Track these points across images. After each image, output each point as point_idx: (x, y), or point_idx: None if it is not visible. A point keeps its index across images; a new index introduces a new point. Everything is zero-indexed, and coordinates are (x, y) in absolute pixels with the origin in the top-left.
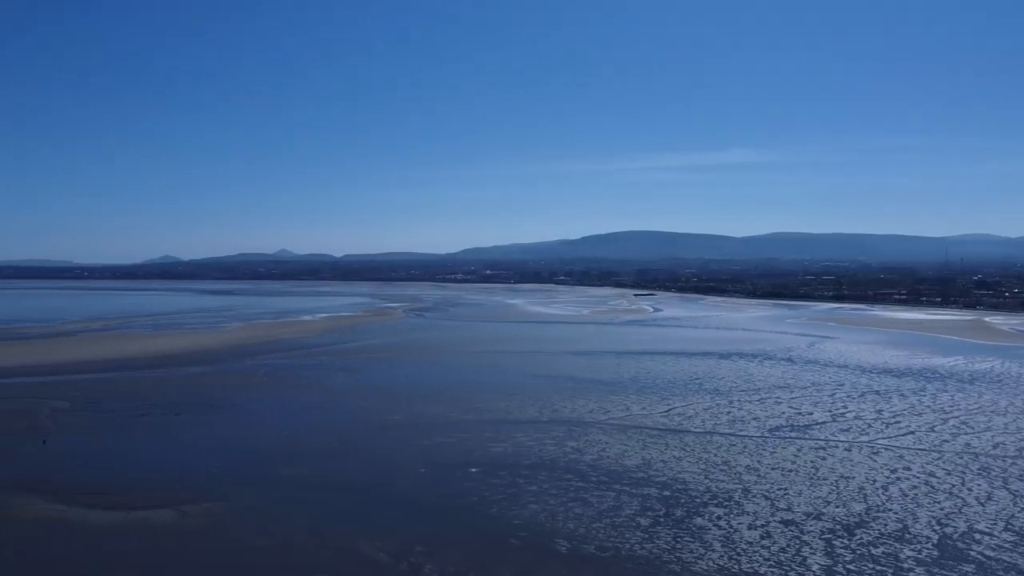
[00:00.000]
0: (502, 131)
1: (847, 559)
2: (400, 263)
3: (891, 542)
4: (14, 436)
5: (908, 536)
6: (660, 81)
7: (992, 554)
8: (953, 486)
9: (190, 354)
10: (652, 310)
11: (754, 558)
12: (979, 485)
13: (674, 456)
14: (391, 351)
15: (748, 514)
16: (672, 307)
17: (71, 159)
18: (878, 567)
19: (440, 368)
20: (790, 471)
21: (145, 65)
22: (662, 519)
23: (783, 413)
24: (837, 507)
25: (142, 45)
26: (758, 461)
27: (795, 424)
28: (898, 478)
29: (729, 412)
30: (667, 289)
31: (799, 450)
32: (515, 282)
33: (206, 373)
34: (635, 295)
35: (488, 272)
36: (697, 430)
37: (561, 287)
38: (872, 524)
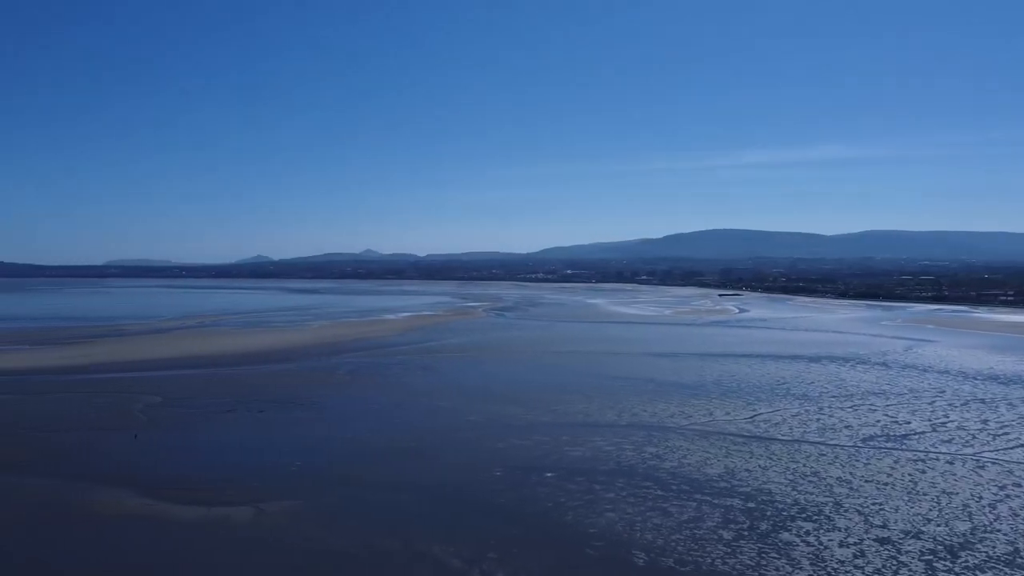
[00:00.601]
0: (584, 129)
1: None
2: (482, 263)
3: (1000, 567)
4: (109, 430)
5: (1020, 561)
6: (743, 74)
7: None
8: None
9: (276, 351)
10: (737, 311)
11: None
12: None
13: (759, 465)
14: (470, 350)
15: (839, 530)
16: (758, 308)
17: (174, 166)
18: None
19: (518, 368)
20: (886, 484)
21: (245, 77)
22: (746, 533)
23: (878, 421)
24: (939, 526)
25: (244, 56)
26: (850, 473)
27: (891, 434)
28: (1007, 495)
29: (819, 419)
30: (753, 289)
31: (896, 462)
32: (596, 281)
33: (290, 370)
34: (719, 295)
35: (569, 271)
36: (784, 438)
37: (643, 287)
38: (978, 546)
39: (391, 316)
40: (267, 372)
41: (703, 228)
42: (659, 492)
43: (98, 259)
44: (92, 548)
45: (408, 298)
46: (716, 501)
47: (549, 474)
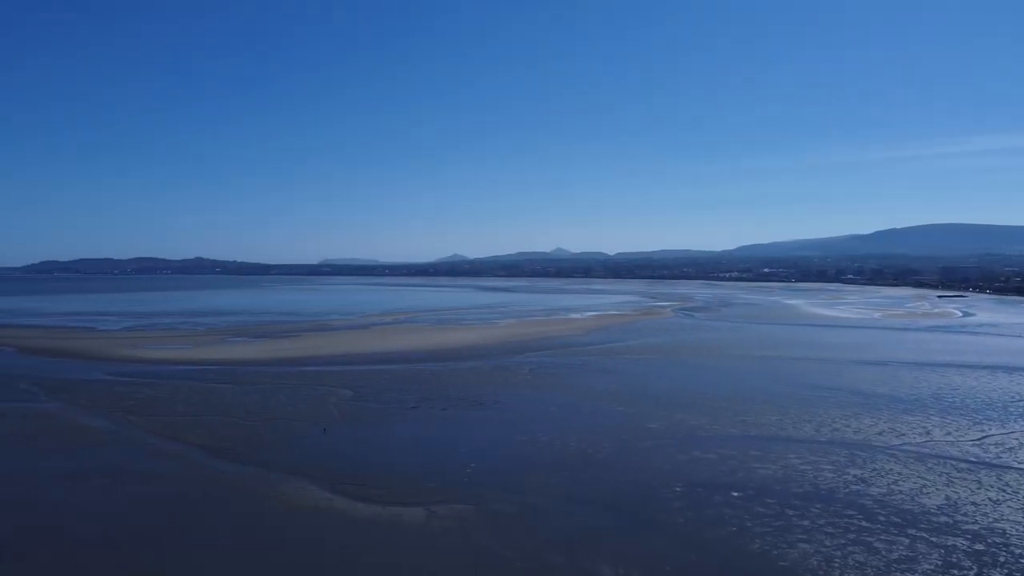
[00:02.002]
0: (781, 120)
1: None
2: (672, 261)
3: None
4: (302, 422)
5: None
6: (979, 49)
7: None
8: None
9: (464, 348)
10: (961, 314)
11: None
12: None
13: (989, 498)
14: (656, 352)
15: None
16: (987, 311)
17: (385, 171)
18: None
19: (706, 373)
20: None
21: (454, 85)
22: None
23: None
24: None
25: (465, 66)
26: None
27: None
28: None
29: None
30: (980, 290)
31: None
32: (795, 281)
33: (475, 368)
34: (939, 296)
35: (765, 270)
36: (1021, 466)
37: (849, 287)
38: None
39: (577, 315)
40: (453, 369)
41: (921, 222)
42: (863, 523)
43: (314, 258)
44: (271, 538)
45: (595, 297)
46: (934, 539)
47: (735, 493)
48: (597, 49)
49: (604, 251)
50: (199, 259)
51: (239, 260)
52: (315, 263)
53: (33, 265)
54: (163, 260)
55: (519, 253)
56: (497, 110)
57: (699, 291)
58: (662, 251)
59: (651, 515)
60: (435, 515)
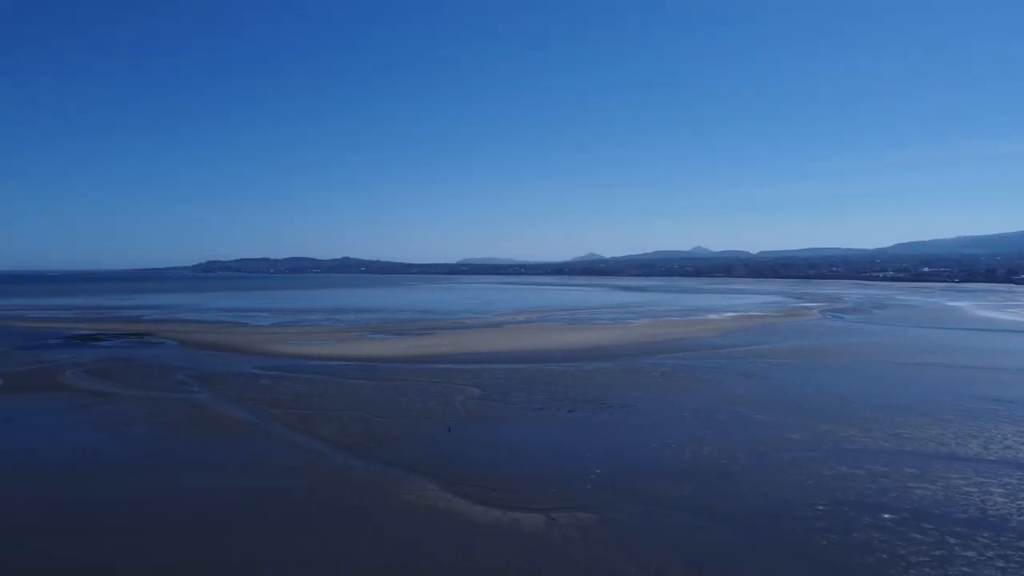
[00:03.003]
0: (949, 103)
1: None
2: (820, 259)
3: None
4: (428, 420)
5: None
6: None
7: None
8: None
9: (595, 349)
10: None
11: None
12: None
13: None
14: (800, 356)
15: None
16: None
17: (519, 174)
18: None
19: (856, 380)
20: None
21: (577, 86)
22: None
23: None
24: None
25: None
26: None
27: None
28: None
29: None
30: None
31: None
32: (959, 281)
33: (605, 369)
34: None
35: (925, 269)
36: None
37: (1022, 288)
38: None
39: (714, 316)
40: (583, 370)
41: None
42: None
43: (453, 258)
44: (388, 537)
45: (735, 297)
46: None
47: (887, 516)
48: (731, 41)
49: (746, 250)
50: (346, 259)
51: (383, 260)
52: (454, 262)
53: (200, 264)
54: (314, 260)
55: (656, 252)
56: (629, 112)
57: (849, 291)
58: (808, 249)
59: (790, 535)
60: (556, 523)
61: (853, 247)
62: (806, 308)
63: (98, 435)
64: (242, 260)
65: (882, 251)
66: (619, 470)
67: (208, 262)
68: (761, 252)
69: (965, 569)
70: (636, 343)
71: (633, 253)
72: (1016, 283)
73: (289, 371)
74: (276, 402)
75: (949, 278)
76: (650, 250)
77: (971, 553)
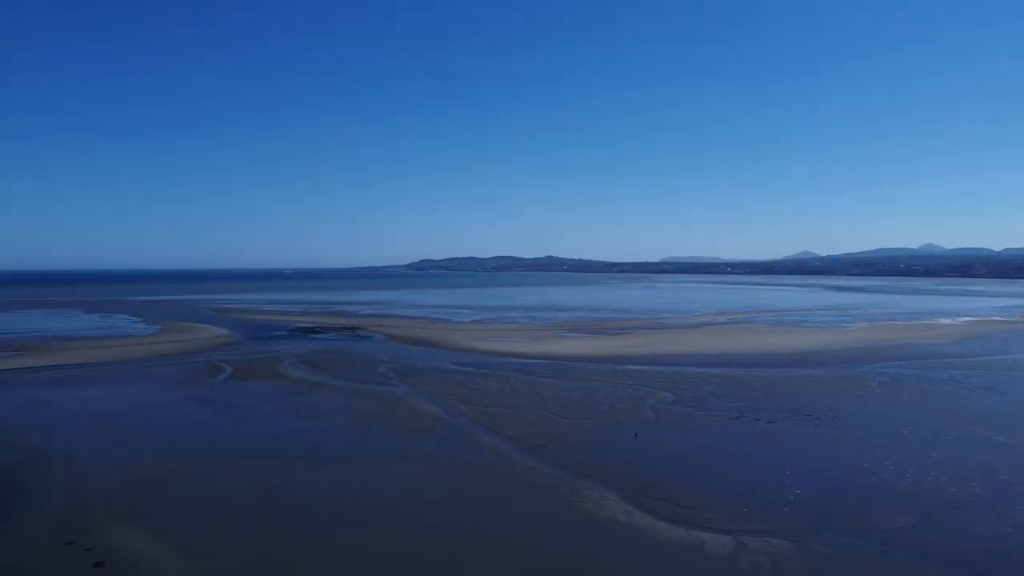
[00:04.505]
0: None
1: None
2: None
3: None
4: (615, 424)
5: None
6: None
7: None
8: None
9: (801, 354)
10: None
11: None
12: None
13: None
14: None
15: None
16: None
17: (720, 171)
18: None
19: None
20: None
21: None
22: None
23: None
24: None
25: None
26: None
27: None
28: None
29: None
30: None
31: None
32: None
33: (813, 376)
34: None
35: None
36: None
37: None
38: None
39: (946, 320)
40: (787, 376)
41: None
42: None
43: (655, 256)
44: (563, 549)
45: (971, 300)
46: None
47: None
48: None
49: (987, 246)
50: (549, 257)
51: (584, 258)
52: (656, 261)
53: (413, 263)
54: (518, 258)
55: (878, 249)
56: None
57: None
58: None
59: None
60: (744, 547)
61: None
62: None
63: (303, 423)
64: (451, 259)
65: None
66: (822, 493)
67: (420, 261)
68: (1006, 249)
69: None
70: (850, 348)
71: (851, 251)
72: None
73: (483, 367)
74: (467, 398)
75: None
76: (871, 247)
77: None
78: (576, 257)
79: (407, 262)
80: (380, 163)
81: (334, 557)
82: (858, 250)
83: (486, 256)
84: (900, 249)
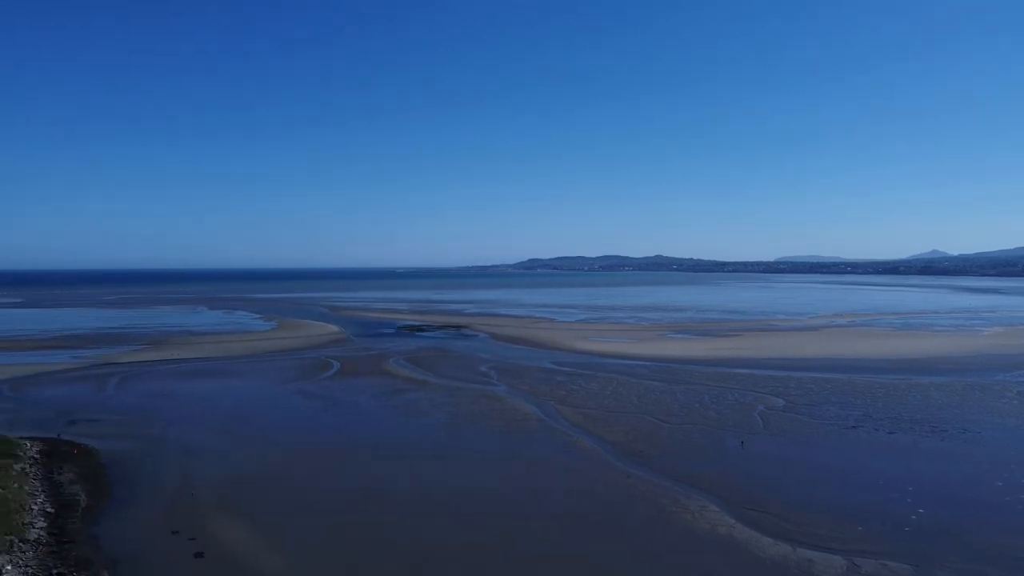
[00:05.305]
0: None
1: None
2: None
3: None
4: (720, 430)
5: None
6: None
7: None
8: None
9: (929, 359)
10: None
11: None
12: None
13: None
14: None
15: None
16: None
17: (843, 165)
18: None
19: None
20: None
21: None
22: None
23: None
24: None
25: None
26: None
27: None
28: None
29: None
30: None
31: None
32: None
33: (941, 385)
34: None
35: None
36: None
37: None
38: None
39: None
40: (911, 384)
41: None
42: None
43: (770, 255)
44: (662, 562)
45: None
46: None
47: None
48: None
49: None
50: (658, 257)
51: (695, 258)
52: (771, 260)
53: (522, 262)
54: (626, 258)
55: (1019, 248)
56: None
57: None
58: None
59: None
60: (858, 570)
61: None
62: None
63: (404, 419)
64: (559, 258)
65: None
66: (949, 513)
67: (529, 260)
68: None
69: None
70: (984, 354)
71: (987, 250)
72: None
73: (585, 368)
74: (566, 399)
75: None
76: (1011, 245)
77: None
78: (686, 256)
79: (515, 261)
80: (487, 165)
81: (412, 557)
82: (995, 248)
83: (594, 255)
84: None
